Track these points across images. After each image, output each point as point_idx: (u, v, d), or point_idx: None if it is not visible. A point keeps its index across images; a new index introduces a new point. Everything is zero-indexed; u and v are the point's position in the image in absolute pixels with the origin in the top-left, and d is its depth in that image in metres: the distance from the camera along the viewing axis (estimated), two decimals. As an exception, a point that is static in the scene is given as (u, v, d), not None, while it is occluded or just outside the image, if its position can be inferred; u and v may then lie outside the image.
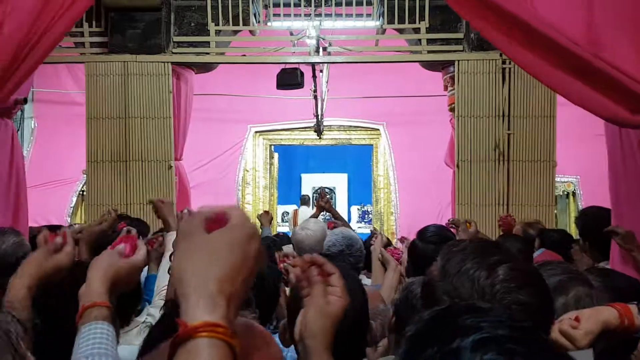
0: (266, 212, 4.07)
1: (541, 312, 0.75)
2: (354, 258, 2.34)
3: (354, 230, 2.76)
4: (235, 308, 0.57)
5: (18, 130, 5.74)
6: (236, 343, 0.54)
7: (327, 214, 3.99)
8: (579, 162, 5.74)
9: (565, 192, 6.41)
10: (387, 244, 2.67)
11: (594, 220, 2.44)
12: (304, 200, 8.54)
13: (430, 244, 1.99)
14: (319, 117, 6.05)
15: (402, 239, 3.02)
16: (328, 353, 0.81)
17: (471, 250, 0.81)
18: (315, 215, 3.67)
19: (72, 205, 6.16)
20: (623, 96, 1.97)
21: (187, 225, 0.61)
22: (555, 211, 5.09)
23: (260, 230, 3.70)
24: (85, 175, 4.58)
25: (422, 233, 2.08)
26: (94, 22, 4.39)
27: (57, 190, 6.12)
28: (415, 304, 1.27)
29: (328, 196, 3.96)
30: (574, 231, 4.92)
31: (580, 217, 2.72)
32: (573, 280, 1.12)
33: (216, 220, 0.61)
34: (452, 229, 2.57)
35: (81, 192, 6.04)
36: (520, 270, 0.78)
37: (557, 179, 4.83)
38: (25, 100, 2.90)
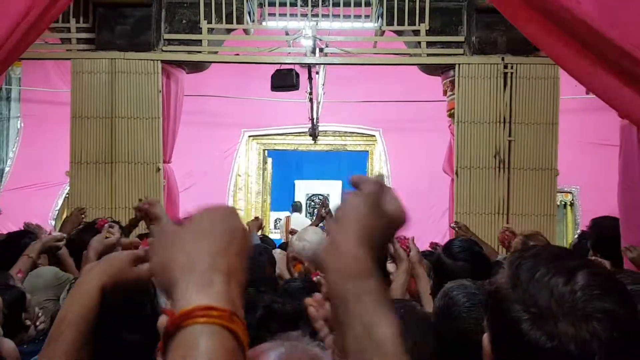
0: (256, 218, 3.94)
1: (627, 323, 0.67)
2: None
3: None
4: (238, 285, 0.50)
5: (2, 130, 5.58)
6: (238, 327, 0.46)
7: (324, 224, 3.85)
8: (579, 172, 5.64)
9: (563, 203, 6.32)
10: None
11: (607, 231, 2.34)
12: (295, 207, 8.40)
13: (459, 260, 1.89)
14: (314, 120, 5.91)
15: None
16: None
17: (545, 255, 0.73)
18: (315, 224, 3.53)
19: (57, 208, 5.97)
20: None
21: (160, 227, 0.50)
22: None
23: None
24: (68, 177, 4.39)
25: (448, 249, 1.98)
26: (81, 18, 4.24)
27: (42, 193, 5.93)
28: (459, 312, 1.17)
29: (329, 207, 3.83)
30: (569, 243, 4.83)
31: (593, 227, 2.59)
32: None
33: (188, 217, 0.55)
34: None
35: (67, 195, 5.85)
36: (602, 276, 0.70)
37: (558, 188, 4.72)
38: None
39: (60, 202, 6.00)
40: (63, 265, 2.22)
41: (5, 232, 5.26)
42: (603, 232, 2.36)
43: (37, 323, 1.77)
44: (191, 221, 0.53)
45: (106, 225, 1.82)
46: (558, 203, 6.04)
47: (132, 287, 1.00)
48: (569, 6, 1.92)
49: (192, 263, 0.49)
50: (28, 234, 2.44)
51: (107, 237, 1.68)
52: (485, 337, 0.75)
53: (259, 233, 3.94)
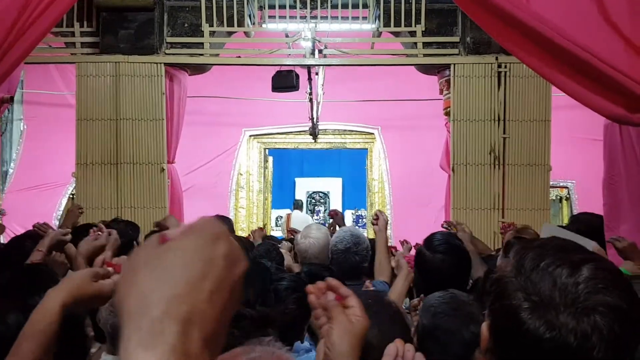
0: (260, 229, 4.06)
1: (629, 318, 0.66)
2: (359, 257, 2.31)
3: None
4: (204, 335, 0.41)
5: (4, 132, 5.66)
6: None
7: (324, 219, 3.96)
8: (574, 167, 5.75)
9: (559, 197, 6.42)
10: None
11: (586, 226, 2.37)
12: (297, 205, 8.49)
13: (438, 253, 1.92)
14: (315, 120, 6.01)
15: (403, 242, 2.95)
16: None
17: (551, 247, 0.73)
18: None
19: (61, 209, 6.06)
20: (621, 95, 1.95)
21: (143, 243, 0.47)
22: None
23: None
24: (75, 178, 4.49)
25: (429, 241, 2.00)
26: (85, 22, 4.33)
27: (46, 194, 6.02)
28: (439, 323, 1.22)
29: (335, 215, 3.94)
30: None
31: (573, 223, 2.66)
32: None
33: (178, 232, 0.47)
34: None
35: (71, 196, 5.94)
36: (608, 271, 0.69)
37: (553, 183, 4.83)
38: (11, 99, 2.83)
39: (64, 202, 6.09)
40: (70, 260, 2.28)
41: (11, 232, 5.38)
42: (582, 227, 2.42)
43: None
44: (165, 247, 0.45)
45: (94, 228, 1.87)
46: (554, 198, 6.17)
47: (96, 303, 1.06)
48: (519, 5, 2.01)
49: (145, 307, 0.41)
50: (30, 237, 2.45)
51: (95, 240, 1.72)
52: (484, 325, 0.74)
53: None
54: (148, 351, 0.38)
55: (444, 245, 1.94)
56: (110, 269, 1.05)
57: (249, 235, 4.02)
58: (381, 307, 1.17)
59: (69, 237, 2.26)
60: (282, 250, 2.71)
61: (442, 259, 1.89)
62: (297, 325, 1.35)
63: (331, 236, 2.51)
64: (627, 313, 0.66)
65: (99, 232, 1.77)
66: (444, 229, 3.17)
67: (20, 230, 4.73)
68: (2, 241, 4.16)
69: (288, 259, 2.61)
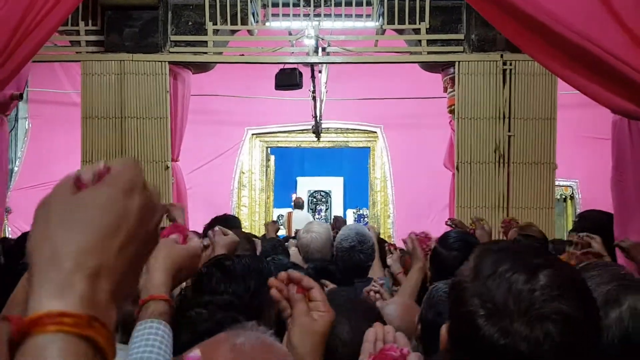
0: (274, 222, 4.08)
1: (583, 326, 0.66)
2: (364, 255, 2.29)
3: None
4: (113, 285, 0.42)
5: (12, 130, 5.67)
6: (98, 334, 0.40)
7: (325, 218, 3.97)
8: (578, 165, 5.74)
9: (563, 196, 6.42)
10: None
11: (592, 223, 2.37)
12: (297, 204, 8.49)
13: (453, 250, 1.92)
14: (318, 118, 6.01)
15: (389, 247, 2.92)
16: None
17: (510, 250, 0.73)
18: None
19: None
20: (631, 90, 1.94)
21: (53, 188, 0.46)
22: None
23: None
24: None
25: (444, 240, 2.00)
26: (89, 21, 4.33)
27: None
28: (441, 310, 1.22)
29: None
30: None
31: (580, 220, 2.65)
32: (626, 289, 0.96)
33: (95, 180, 0.46)
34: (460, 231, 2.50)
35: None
36: (565, 277, 0.68)
37: (557, 182, 4.82)
38: (21, 96, 2.83)
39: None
40: None
41: (17, 230, 5.39)
42: (589, 224, 2.41)
43: None
44: (79, 197, 0.44)
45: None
46: (558, 197, 6.16)
47: (193, 266, 1.04)
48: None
49: (54, 258, 0.41)
50: None
51: None
52: (444, 327, 0.75)
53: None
54: (58, 300, 0.40)
55: (459, 242, 1.95)
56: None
57: (266, 227, 4.03)
58: (353, 303, 1.16)
59: None
60: (292, 249, 2.71)
61: (457, 257, 1.88)
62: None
63: (334, 239, 2.50)
64: (581, 320, 0.66)
65: None
66: (448, 226, 3.16)
67: (25, 228, 4.76)
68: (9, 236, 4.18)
69: (298, 257, 2.61)
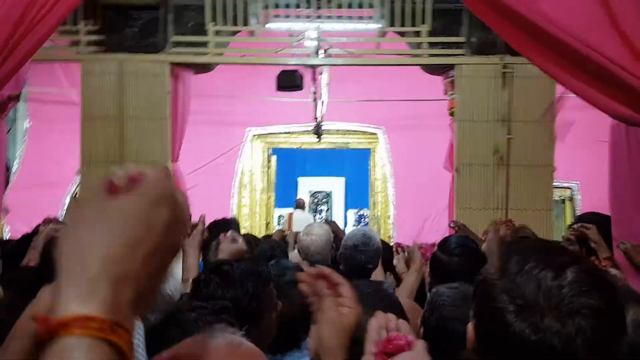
0: (281, 231, 4.15)
1: (612, 320, 0.67)
2: (365, 256, 2.26)
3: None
4: (134, 294, 0.44)
5: (9, 130, 5.68)
6: (120, 339, 0.42)
7: (325, 215, 3.98)
8: (579, 167, 5.74)
9: (562, 198, 6.41)
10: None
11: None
12: (298, 204, 8.49)
13: (454, 256, 1.90)
14: (319, 119, 6.01)
15: (397, 248, 2.90)
16: None
17: (536, 249, 0.74)
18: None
19: (65, 207, 6.07)
20: (628, 95, 1.95)
21: (86, 191, 0.50)
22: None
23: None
24: (79, 177, 4.50)
25: (444, 245, 1.98)
26: (90, 20, 4.33)
27: (49, 192, 6.02)
28: (444, 314, 1.22)
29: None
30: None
31: (578, 222, 2.64)
32: (629, 302, 0.96)
33: (128, 184, 0.48)
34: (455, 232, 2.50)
35: (75, 194, 5.95)
36: (591, 274, 0.70)
37: (556, 184, 4.82)
38: (18, 97, 2.84)
39: (67, 200, 6.11)
40: None
41: (14, 230, 5.39)
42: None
43: None
44: (110, 203, 0.46)
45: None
46: (557, 199, 6.16)
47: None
48: (526, 3, 2.00)
49: (81, 264, 0.43)
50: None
51: None
52: (470, 326, 0.75)
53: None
54: (83, 304, 0.42)
55: (460, 248, 1.93)
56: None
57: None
58: (379, 296, 1.17)
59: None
60: (293, 253, 2.72)
61: (458, 262, 1.87)
62: (306, 319, 1.36)
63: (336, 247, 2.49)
64: (609, 315, 0.66)
65: None
66: (451, 228, 3.16)
67: (24, 229, 4.75)
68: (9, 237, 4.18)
69: (299, 259, 2.61)
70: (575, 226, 2.14)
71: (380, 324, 0.79)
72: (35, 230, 2.61)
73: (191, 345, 0.68)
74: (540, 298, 0.66)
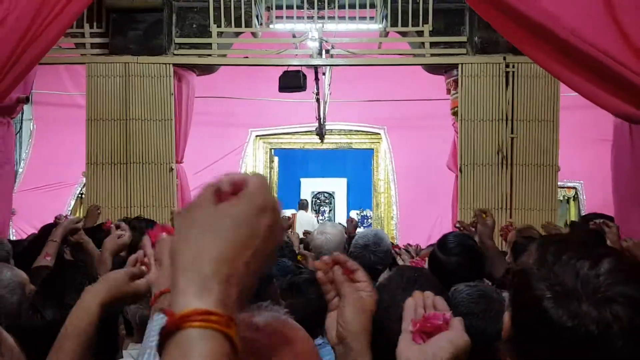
0: (288, 218, 4.10)
1: None
2: (375, 256, 2.26)
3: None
4: (238, 293, 0.49)
5: (17, 132, 5.72)
6: (233, 332, 0.47)
7: (329, 219, 4.00)
8: (582, 167, 5.73)
9: (566, 198, 6.41)
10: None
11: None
12: (302, 205, 8.51)
13: (452, 255, 1.88)
14: (321, 120, 6.03)
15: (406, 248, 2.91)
16: (369, 351, 0.78)
17: (572, 241, 0.75)
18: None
19: (70, 208, 6.11)
20: (631, 93, 1.96)
21: (196, 197, 0.52)
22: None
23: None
24: (84, 178, 4.53)
25: (442, 244, 1.95)
26: (94, 23, 4.37)
27: (55, 193, 6.07)
28: (463, 311, 1.23)
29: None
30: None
31: (582, 224, 2.65)
32: None
33: (232, 190, 0.52)
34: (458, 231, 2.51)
35: (80, 195, 5.99)
36: (627, 264, 0.71)
37: (560, 184, 4.82)
38: (27, 99, 2.87)
39: (72, 202, 6.14)
40: (85, 251, 2.31)
41: (20, 231, 5.42)
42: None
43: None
44: (219, 209, 0.50)
45: (112, 226, 1.94)
46: (561, 198, 6.16)
47: (131, 301, 1.11)
48: (528, 2, 2.02)
49: (196, 265, 0.48)
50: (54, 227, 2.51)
51: (119, 237, 1.80)
52: (506, 315, 0.76)
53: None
54: (198, 300, 0.47)
55: (458, 247, 1.91)
56: (144, 268, 1.07)
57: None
58: (426, 280, 1.18)
59: (80, 224, 2.29)
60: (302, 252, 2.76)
61: (456, 261, 1.86)
62: (319, 317, 1.38)
63: (347, 244, 2.50)
64: None
65: (120, 231, 1.84)
66: (456, 229, 3.16)
67: (29, 230, 4.78)
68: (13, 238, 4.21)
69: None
70: (597, 220, 2.14)
71: (417, 302, 0.80)
72: (54, 224, 2.62)
73: (258, 314, 0.69)
74: (578, 285, 0.67)
